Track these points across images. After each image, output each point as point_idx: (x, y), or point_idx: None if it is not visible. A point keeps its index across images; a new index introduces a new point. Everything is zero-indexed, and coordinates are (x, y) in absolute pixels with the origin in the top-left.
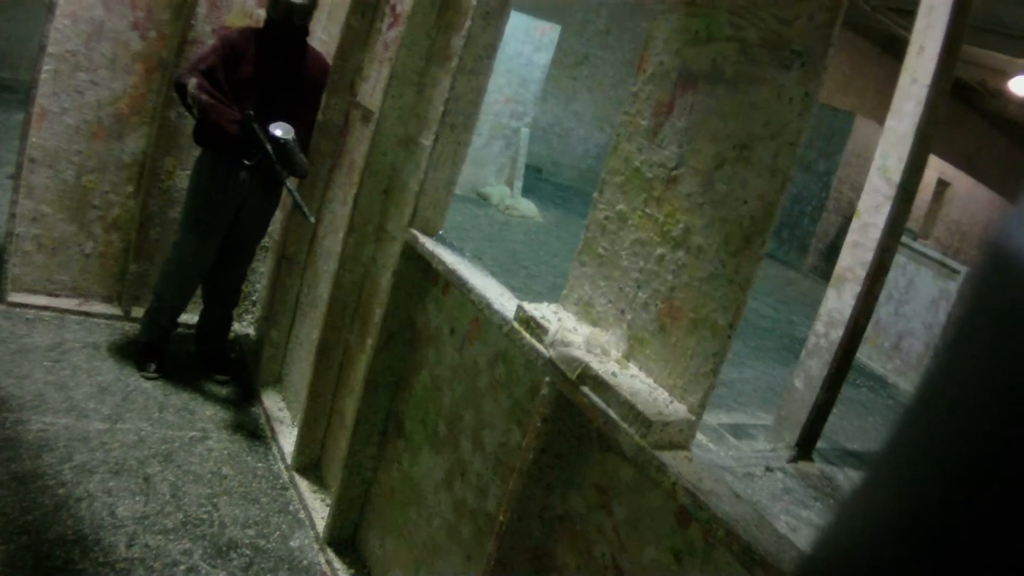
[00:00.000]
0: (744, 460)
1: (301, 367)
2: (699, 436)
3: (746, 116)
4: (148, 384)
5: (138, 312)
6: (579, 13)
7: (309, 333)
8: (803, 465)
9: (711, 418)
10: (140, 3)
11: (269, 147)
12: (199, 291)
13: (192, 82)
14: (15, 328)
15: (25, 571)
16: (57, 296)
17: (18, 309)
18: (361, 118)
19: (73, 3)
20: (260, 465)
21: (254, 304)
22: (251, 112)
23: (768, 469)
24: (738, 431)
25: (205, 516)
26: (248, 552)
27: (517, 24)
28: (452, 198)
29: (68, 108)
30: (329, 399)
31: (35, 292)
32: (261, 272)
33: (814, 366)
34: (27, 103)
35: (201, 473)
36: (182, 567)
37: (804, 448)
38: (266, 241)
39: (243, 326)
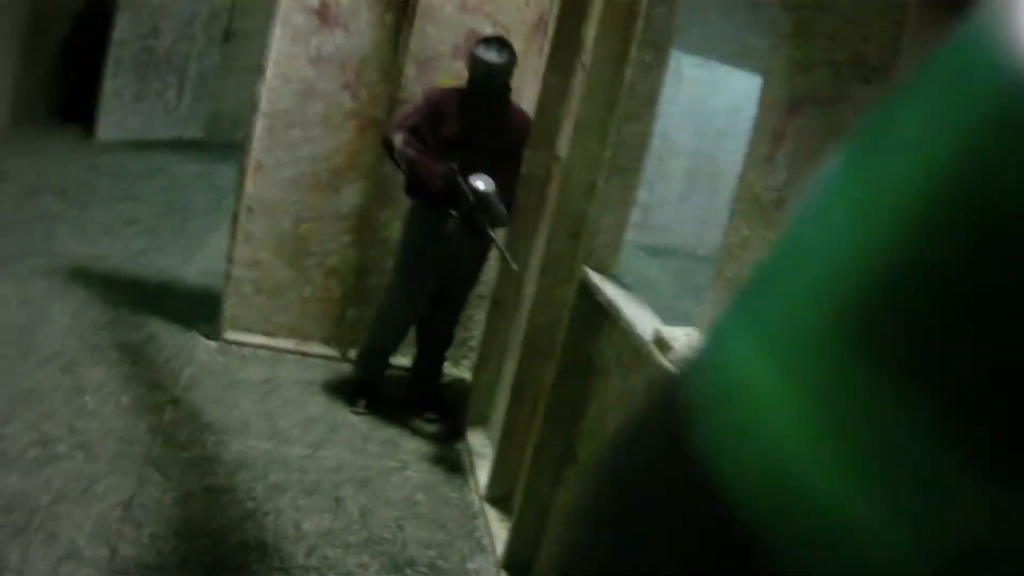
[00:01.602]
0: None
1: (504, 406)
2: None
3: (836, 135)
4: (356, 419)
5: (354, 354)
6: None
7: (513, 373)
8: None
9: None
10: (350, 66)
11: (471, 198)
12: (416, 333)
13: (399, 139)
14: (229, 363)
15: (201, 569)
16: (274, 336)
17: (234, 347)
18: (559, 169)
19: (283, 65)
20: (455, 495)
21: (471, 350)
22: (455, 166)
23: None
24: None
25: (389, 536)
26: (424, 569)
27: (751, 86)
28: (623, 238)
29: (284, 162)
30: (523, 434)
31: (252, 332)
32: (479, 320)
33: None
34: (242, 157)
35: (394, 499)
36: None
37: None
38: (485, 290)
39: (460, 371)
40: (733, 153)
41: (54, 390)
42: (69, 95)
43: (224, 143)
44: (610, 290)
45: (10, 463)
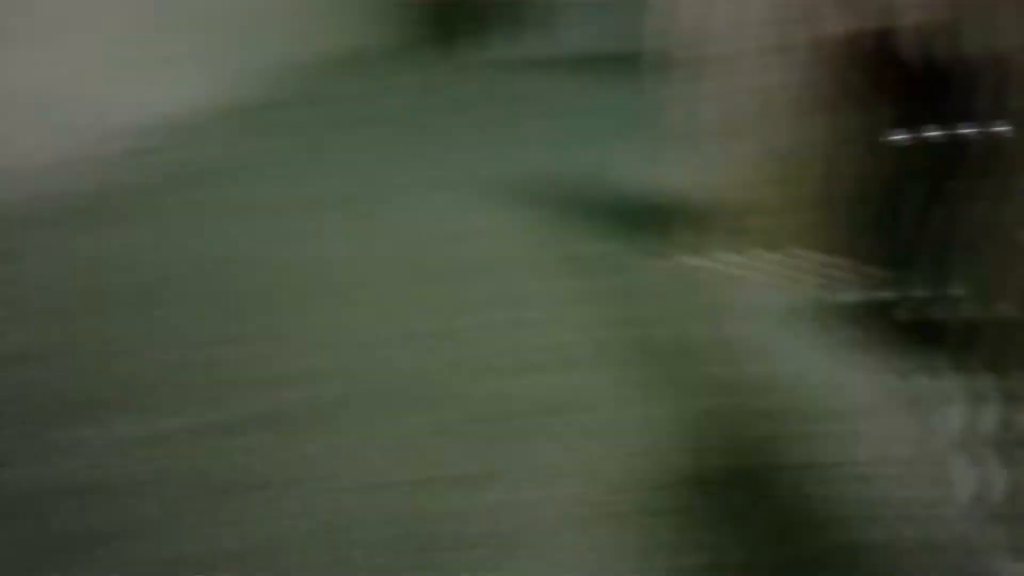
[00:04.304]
0: None
1: None
2: None
3: None
4: None
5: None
6: None
7: None
8: None
9: None
10: None
11: None
12: None
13: None
14: (720, 286)
15: None
16: (764, 260)
17: (722, 266)
18: None
19: None
20: None
21: None
22: None
23: None
24: None
25: None
26: None
27: None
28: None
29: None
30: None
31: (742, 254)
32: None
33: None
34: (718, 75)
35: None
36: None
37: None
38: None
39: None
40: None
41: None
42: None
43: (671, 60)
44: None
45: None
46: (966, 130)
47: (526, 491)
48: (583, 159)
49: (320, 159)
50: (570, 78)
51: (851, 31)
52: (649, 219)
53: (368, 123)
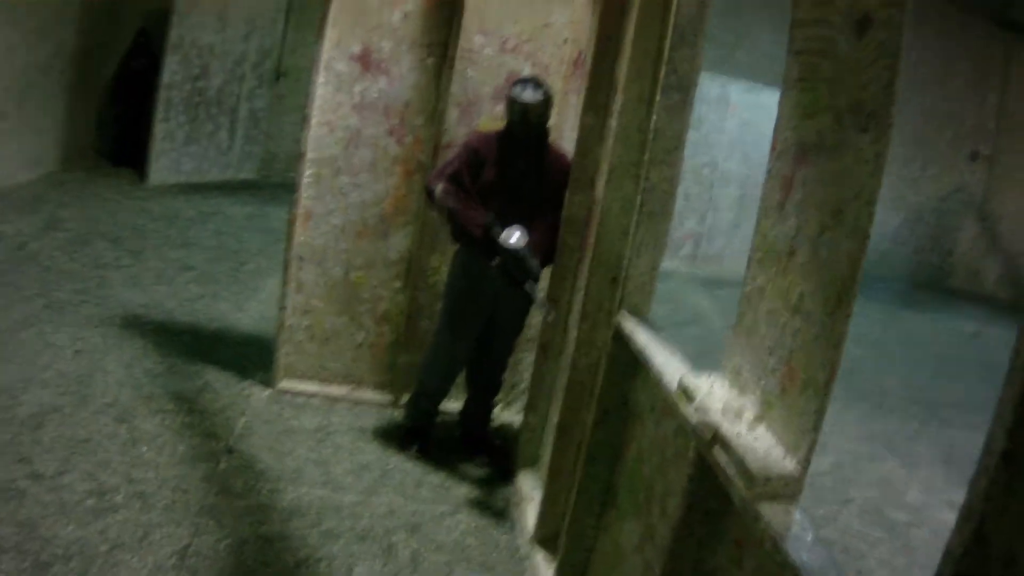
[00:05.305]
0: None
1: (551, 448)
2: None
3: (839, 182)
4: (408, 464)
5: (406, 399)
6: None
7: (558, 415)
8: None
9: None
10: (393, 111)
11: (503, 255)
12: (465, 378)
13: (439, 188)
14: (283, 411)
15: None
16: (328, 383)
17: (288, 395)
18: (598, 212)
19: (328, 113)
20: (504, 538)
21: (522, 393)
22: (492, 216)
23: None
24: None
25: None
26: None
27: None
28: (655, 282)
29: (333, 209)
30: (569, 475)
31: (306, 379)
32: (529, 363)
33: None
34: (291, 206)
35: (444, 543)
36: None
37: None
38: (535, 333)
39: (511, 414)
40: None
41: (110, 440)
42: (119, 139)
43: (278, 183)
44: (642, 336)
45: (68, 512)
46: None
47: None
48: (200, 291)
49: None
50: (220, 202)
51: None
52: (252, 348)
53: None
